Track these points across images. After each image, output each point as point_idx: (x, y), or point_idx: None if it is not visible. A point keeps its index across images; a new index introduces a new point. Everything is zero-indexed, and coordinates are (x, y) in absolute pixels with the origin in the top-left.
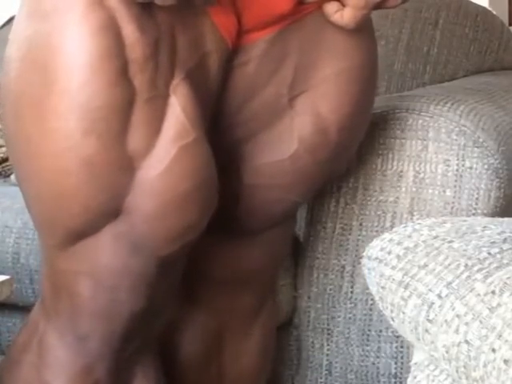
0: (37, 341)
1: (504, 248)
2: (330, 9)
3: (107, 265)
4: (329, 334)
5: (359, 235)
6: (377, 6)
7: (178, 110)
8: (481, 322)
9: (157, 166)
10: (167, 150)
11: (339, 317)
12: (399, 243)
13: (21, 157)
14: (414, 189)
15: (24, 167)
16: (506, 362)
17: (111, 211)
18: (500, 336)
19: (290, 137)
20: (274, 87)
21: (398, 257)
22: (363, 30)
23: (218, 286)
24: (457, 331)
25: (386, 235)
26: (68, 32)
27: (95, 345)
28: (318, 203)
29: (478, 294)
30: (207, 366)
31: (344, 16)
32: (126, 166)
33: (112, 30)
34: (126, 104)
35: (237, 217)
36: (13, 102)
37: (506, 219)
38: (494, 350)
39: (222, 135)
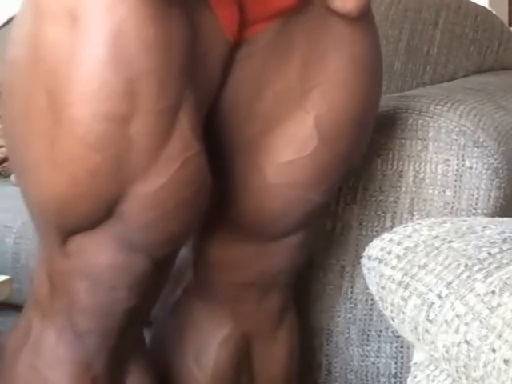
0: (32, 341)
1: (504, 248)
2: None
3: (104, 263)
4: (329, 334)
5: (359, 235)
6: None
7: (184, 123)
8: (481, 321)
9: (158, 179)
10: (170, 164)
11: (339, 317)
12: (399, 243)
13: (24, 164)
14: (413, 189)
15: (27, 174)
16: (506, 362)
17: (102, 216)
18: (500, 336)
19: (308, 133)
20: (284, 79)
21: (398, 257)
22: (366, 20)
23: (243, 290)
24: (457, 331)
25: (386, 235)
26: (78, 39)
27: (93, 341)
28: None
29: (478, 294)
30: (238, 378)
31: (346, 3)
32: (125, 179)
33: (124, 38)
34: (129, 117)
35: (260, 221)
36: (18, 109)
37: (505, 219)
38: (494, 350)
39: (238, 128)
